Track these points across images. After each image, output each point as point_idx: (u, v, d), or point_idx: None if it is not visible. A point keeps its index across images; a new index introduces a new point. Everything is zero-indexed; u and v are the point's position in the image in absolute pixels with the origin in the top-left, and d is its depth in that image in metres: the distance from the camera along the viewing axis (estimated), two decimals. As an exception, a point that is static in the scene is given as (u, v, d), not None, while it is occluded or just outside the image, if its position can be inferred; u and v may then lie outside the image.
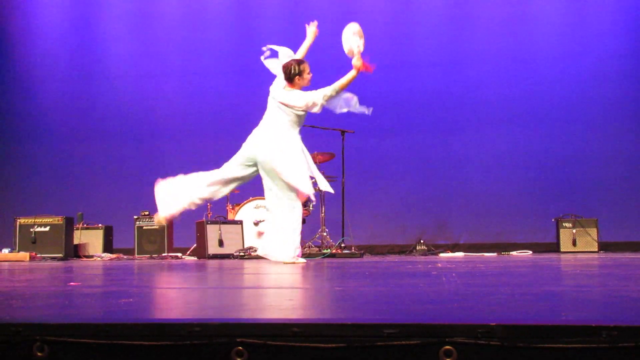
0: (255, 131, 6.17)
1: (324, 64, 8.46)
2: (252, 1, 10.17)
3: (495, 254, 7.98)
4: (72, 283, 3.41)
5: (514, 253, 8.22)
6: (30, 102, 10.10)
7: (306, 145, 8.59)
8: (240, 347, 1.59)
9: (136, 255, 8.54)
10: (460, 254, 8.18)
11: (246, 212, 8.44)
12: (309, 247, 8.07)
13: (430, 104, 9.54)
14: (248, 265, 5.95)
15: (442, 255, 8.05)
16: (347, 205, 8.28)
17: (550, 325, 1.58)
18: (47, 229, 8.30)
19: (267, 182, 6.03)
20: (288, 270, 4.74)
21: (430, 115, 9.52)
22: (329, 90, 5.93)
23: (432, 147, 9.46)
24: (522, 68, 9.50)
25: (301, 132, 6.33)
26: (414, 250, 8.42)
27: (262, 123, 6.17)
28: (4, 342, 1.62)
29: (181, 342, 1.61)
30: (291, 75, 5.98)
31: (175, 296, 2.63)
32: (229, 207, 8.71)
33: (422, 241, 8.48)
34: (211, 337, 1.61)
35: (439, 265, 5.16)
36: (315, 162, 8.35)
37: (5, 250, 8.05)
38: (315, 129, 8.66)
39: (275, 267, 5.37)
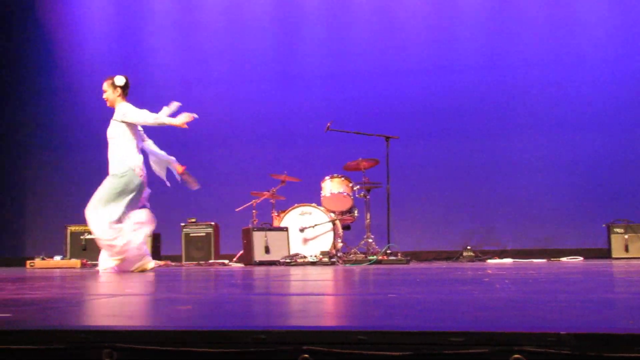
0: None
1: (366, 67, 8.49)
2: (293, 8, 10.20)
3: (544, 260, 7.87)
4: (128, 290, 3.46)
5: (563, 259, 8.09)
6: (78, 112, 10.30)
7: (350, 152, 8.64)
8: (307, 355, 1.59)
9: (184, 262, 8.64)
10: (508, 260, 8.09)
11: (291, 219, 8.46)
12: (355, 254, 8.06)
13: (476, 109, 9.46)
14: (295, 271, 5.95)
15: (489, 261, 7.97)
16: (393, 212, 8.25)
17: (622, 333, 1.55)
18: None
19: None
20: (336, 277, 4.74)
21: (476, 120, 9.44)
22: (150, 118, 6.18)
23: (478, 152, 9.38)
24: (570, 71, 9.37)
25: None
26: (461, 257, 8.34)
27: None
28: (73, 349, 1.65)
29: (247, 350, 1.62)
30: None
31: (234, 303, 2.64)
32: (274, 213, 8.75)
33: (468, 247, 8.40)
34: (277, 344, 1.61)
35: (489, 272, 5.11)
36: (359, 168, 8.39)
37: (57, 258, 8.22)
38: (360, 135, 8.66)
39: (323, 273, 5.37)
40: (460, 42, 9.65)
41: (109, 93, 6.27)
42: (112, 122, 6.25)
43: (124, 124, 6.19)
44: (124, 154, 6.15)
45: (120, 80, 6.26)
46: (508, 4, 9.70)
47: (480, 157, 9.38)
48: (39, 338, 1.69)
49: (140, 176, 6.19)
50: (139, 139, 6.33)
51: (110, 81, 6.27)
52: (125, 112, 6.18)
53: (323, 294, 3.18)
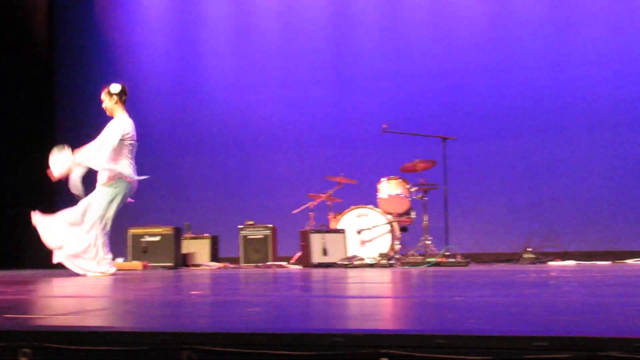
0: None
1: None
2: (347, 10, 10.19)
3: (608, 263, 7.67)
4: (194, 292, 3.50)
5: (629, 261, 7.88)
6: (137, 117, 10.45)
7: (407, 153, 8.59)
8: (385, 359, 1.58)
9: (242, 264, 8.71)
10: (571, 263, 7.92)
11: (348, 221, 8.46)
12: (413, 256, 8.01)
13: (535, 108, 9.29)
14: (355, 274, 5.94)
15: (551, 263, 7.81)
16: (450, 213, 8.17)
17: None
18: (158, 238, 8.57)
19: None
20: (397, 279, 4.72)
21: (535, 119, 9.28)
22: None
23: (538, 151, 9.21)
24: (631, 69, 9.12)
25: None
26: (521, 259, 8.19)
27: None
28: (154, 350, 1.67)
29: (324, 353, 1.61)
30: None
31: (302, 305, 2.65)
32: (331, 215, 8.76)
33: (528, 249, 8.24)
34: (355, 347, 1.61)
35: (553, 274, 5.01)
36: (416, 170, 8.34)
37: (119, 260, 8.36)
38: (416, 137, 8.61)
39: (384, 276, 5.35)
40: (520, 41, 9.49)
41: (107, 102, 6.35)
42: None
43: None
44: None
45: (115, 88, 6.34)
46: (569, 2, 9.50)
47: (540, 157, 9.20)
48: (119, 339, 1.71)
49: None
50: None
51: (106, 90, 6.35)
52: (109, 125, 6.22)
53: (390, 297, 3.16)
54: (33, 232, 10.48)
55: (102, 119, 10.42)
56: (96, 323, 2.00)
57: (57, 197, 10.56)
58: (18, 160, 10.51)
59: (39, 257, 10.35)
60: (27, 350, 1.74)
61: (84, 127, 10.55)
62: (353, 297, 3.18)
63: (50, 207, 10.49)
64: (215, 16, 10.51)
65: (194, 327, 1.84)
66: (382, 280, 4.66)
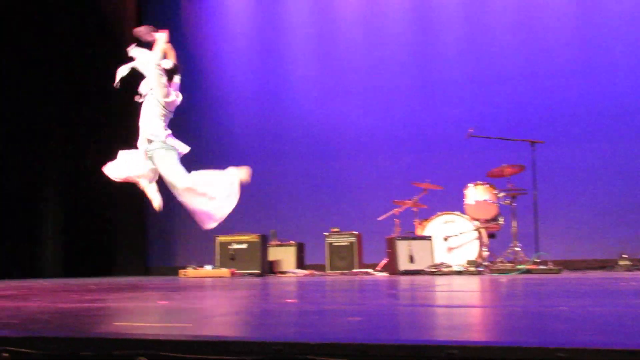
0: None
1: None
2: (431, 15, 10.09)
3: None
4: (288, 300, 3.52)
5: None
6: (224, 126, 10.68)
7: (494, 158, 8.43)
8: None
9: (327, 272, 8.73)
10: (670, 269, 7.59)
11: (435, 228, 8.36)
12: (502, 263, 7.85)
13: (628, 110, 8.95)
14: (444, 281, 5.87)
15: (649, 270, 7.50)
16: (540, 219, 7.96)
17: None
18: (245, 246, 8.69)
19: None
20: (492, 287, 4.63)
21: (628, 121, 8.94)
22: None
23: (632, 154, 8.87)
24: None
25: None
26: (616, 266, 7.89)
27: None
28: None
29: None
30: None
31: (405, 314, 2.62)
32: (417, 222, 8.68)
33: (624, 255, 7.94)
34: (471, 360, 1.57)
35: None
36: (504, 175, 8.17)
37: (208, 267, 8.53)
38: (503, 141, 8.45)
39: (477, 283, 5.26)
40: (611, 41, 9.17)
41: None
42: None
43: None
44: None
45: (167, 63, 6.29)
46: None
47: (635, 160, 8.86)
48: (215, 348, 1.73)
49: None
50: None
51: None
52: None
53: (492, 307, 3.10)
54: (123, 238, 10.83)
55: (189, 132, 10.70)
56: (209, 332, 2.03)
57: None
58: (110, 180, 10.83)
59: (129, 264, 10.71)
60: (142, 358, 1.78)
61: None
62: (453, 306, 3.13)
63: (142, 212, 10.85)
64: (299, 25, 10.59)
65: (302, 337, 1.84)
66: (475, 289, 4.58)
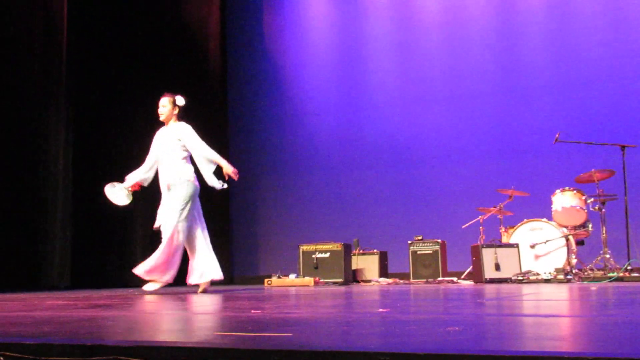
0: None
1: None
2: (514, 19, 9.93)
3: None
4: (381, 309, 3.51)
5: None
6: (307, 136, 10.78)
7: (582, 163, 8.22)
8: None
9: (411, 280, 8.68)
10: None
11: (521, 235, 8.20)
12: (592, 270, 7.64)
13: None
14: (533, 289, 5.74)
15: None
16: (632, 225, 7.71)
17: None
18: (328, 255, 8.73)
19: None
20: (589, 296, 4.50)
21: None
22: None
23: None
24: None
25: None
26: None
27: None
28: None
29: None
30: None
31: (505, 324, 2.58)
32: (503, 229, 8.54)
33: None
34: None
35: None
36: (592, 180, 7.95)
37: (292, 276, 8.61)
38: (591, 146, 8.24)
39: (565, 292, 5.13)
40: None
41: (168, 109, 6.38)
42: (169, 139, 6.34)
43: (179, 142, 6.29)
44: (181, 167, 6.27)
45: (181, 100, 6.42)
46: None
47: None
48: (323, 358, 1.74)
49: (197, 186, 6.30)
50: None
51: (171, 99, 6.40)
52: (188, 133, 6.32)
53: (599, 316, 3.01)
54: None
55: (273, 143, 10.89)
56: (309, 342, 2.05)
57: (232, 208, 11.07)
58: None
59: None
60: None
61: (255, 151, 11.01)
62: (553, 315, 3.06)
63: (226, 222, 11.04)
64: (380, 33, 10.61)
65: (406, 347, 1.84)
66: (568, 297, 4.47)
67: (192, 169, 6.37)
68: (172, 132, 6.36)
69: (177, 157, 6.29)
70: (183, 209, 6.14)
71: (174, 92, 6.53)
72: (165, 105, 6.43)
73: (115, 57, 10.17)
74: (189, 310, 3.77)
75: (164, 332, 2.62)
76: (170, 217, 6.15)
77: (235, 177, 6.36)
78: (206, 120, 11.10)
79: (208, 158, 6.32)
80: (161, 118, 6.46)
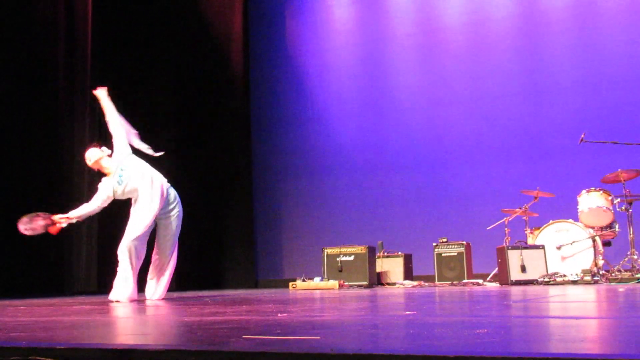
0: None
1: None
2: (537, 19, 9.87)
3: None
4: (408, 312, 3.51)
5: None
6: (330, 139, 10.79)
7: (608, 163, 8.14)
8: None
9: (436, 282, 8.64)
10: None
11: (547, 236, 8.14)
12: (619, 272, 7.57)
13: None
14: (561, 291, 5.70)
15: None
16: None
17: None
18: (352, 258, 8.73)
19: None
20: (600, 298, 4.47)
21: None
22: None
23: None
24: None
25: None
26: None
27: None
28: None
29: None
30: None
31: (536, 326, 2.57)
32: (528, 231, 8.49)
33: None
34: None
35: None
36: (619, 180, 7.87)
37: (317, 279, 8.62)
38: (617, 145, 8.16)
39: (593, 293, 5.08)
40: None
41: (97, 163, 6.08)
42: (129, 169, 6.02)
43: (131, 157, 6.09)
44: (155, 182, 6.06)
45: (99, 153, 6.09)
46: None
47: None
48: None
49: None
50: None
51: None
52: (118, 149, 6.08)
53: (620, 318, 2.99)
54: (233, 252, 11.07)
55: (296, 146, 10.91)
56: (338, 344, 2.06)
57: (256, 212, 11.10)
58: (219, 196, 11.10)
59: (239, 277, 10.95)
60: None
61: (278, 154, 11.04)
62: (584, 317, 3.04)
63: (250, 226, 11.08)
64: (402, 35, 10.59)
65: (436, 350, 1.83)
66: (595, 299, 4.43)
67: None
68: (124, 162, 6.08)
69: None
70: None
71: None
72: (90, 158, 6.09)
73: (139, 61, 10.27)
74: (216, 315, 3.79)
75: (192, 337, 2.64)
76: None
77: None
78: (229, 123, 11.20)
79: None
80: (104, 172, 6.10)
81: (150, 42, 10.51)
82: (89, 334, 2.63)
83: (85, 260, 9.15)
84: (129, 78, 10.03)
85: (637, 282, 7.03)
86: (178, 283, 9.97)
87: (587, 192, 8.08)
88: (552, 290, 5.96)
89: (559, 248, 8.04)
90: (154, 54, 10.55)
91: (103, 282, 9.25)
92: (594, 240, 7.96)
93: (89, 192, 9.21)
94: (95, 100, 9.41)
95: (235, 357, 1.86)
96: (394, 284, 8.78)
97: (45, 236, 8.65)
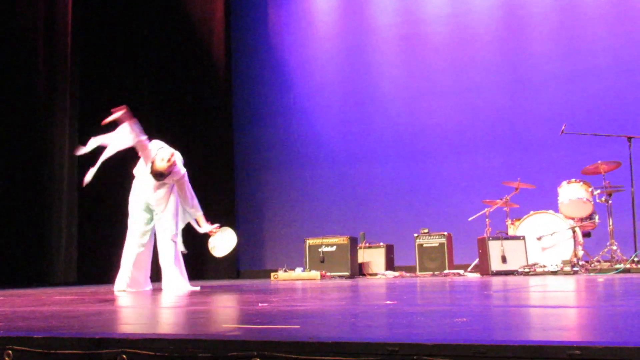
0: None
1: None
2: (520, 11, 9.88)
3: None
4: (388, 302, 3.51)
5: None
6: (312, 130, 10.76)
7: (588, 155, 8.20)
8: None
9: (418, 273, 8.67)
10: None
11: (527, 227, 8.19)
12: (599, 262, 7.63)
13: None
14: (540, 282, 5.74)
15: None
16: (639, 216, 7.69)
17: None
18: (334, 248, 8.73)
19: None
20: (580, 288, 4.50)
21: None
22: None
23: None
24: None
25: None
26: None
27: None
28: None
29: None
30: None
31: (511, 315, 2.58)
32: (509, 221, 8.53)
33: None
34: (593, 362, 1.53)
35: None
36: (599, 172, 7.93)
37: (299, 270, 8.61)
38: (598, 137, 8.22)
39: (572, 283, 5.13)
40: None
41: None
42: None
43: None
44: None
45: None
46: None
47: None
48: (332, 349, 1.74)
49: None
50: None
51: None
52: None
53: (594, 307, 3.01)
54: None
55: (278, 138, 10.88)
56: (318, 334, 2.05)
57: (237, 203, 11.06)
58: (200, 187, 11.04)
59: (221, 268, 10.92)
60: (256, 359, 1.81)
61: (260, 145, 11.00)
62: (559, 306, 3.06)
63: (231, 217, 11.06)
64: (385, 26, 10.56)
65: (414, 337, 1.83)
66: (575, 289, 4.47)
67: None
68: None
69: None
70: None
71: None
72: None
73: (120, 56, 10.19)
74: (197, 304, 3.78)
75: (172, 325, 2.62)
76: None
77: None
78: (211, 115, 11.13)
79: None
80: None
81: (130, 35, 10.43)
82: (68, 323, 2.61)
83: (65, 250, 9.08)
84: (110, 71, 9.94)
85: (616, 273, 7.09)
86: (159, 274, 9.91)
87: (568, 183, 8.13)
88: (532, 281, 6.01)
89: (539, 239, 8.09)
90: (134, 46, 10.46)
91: (82, 273, 9.22)
92: (574, 231, 8.02)
93: (70, 175, 9.20)
94: (83, 101, 9.39)
95: (215, 345, 1.85)
96: (375, 274, 8.80)
97: (25, 226, 8.62)
